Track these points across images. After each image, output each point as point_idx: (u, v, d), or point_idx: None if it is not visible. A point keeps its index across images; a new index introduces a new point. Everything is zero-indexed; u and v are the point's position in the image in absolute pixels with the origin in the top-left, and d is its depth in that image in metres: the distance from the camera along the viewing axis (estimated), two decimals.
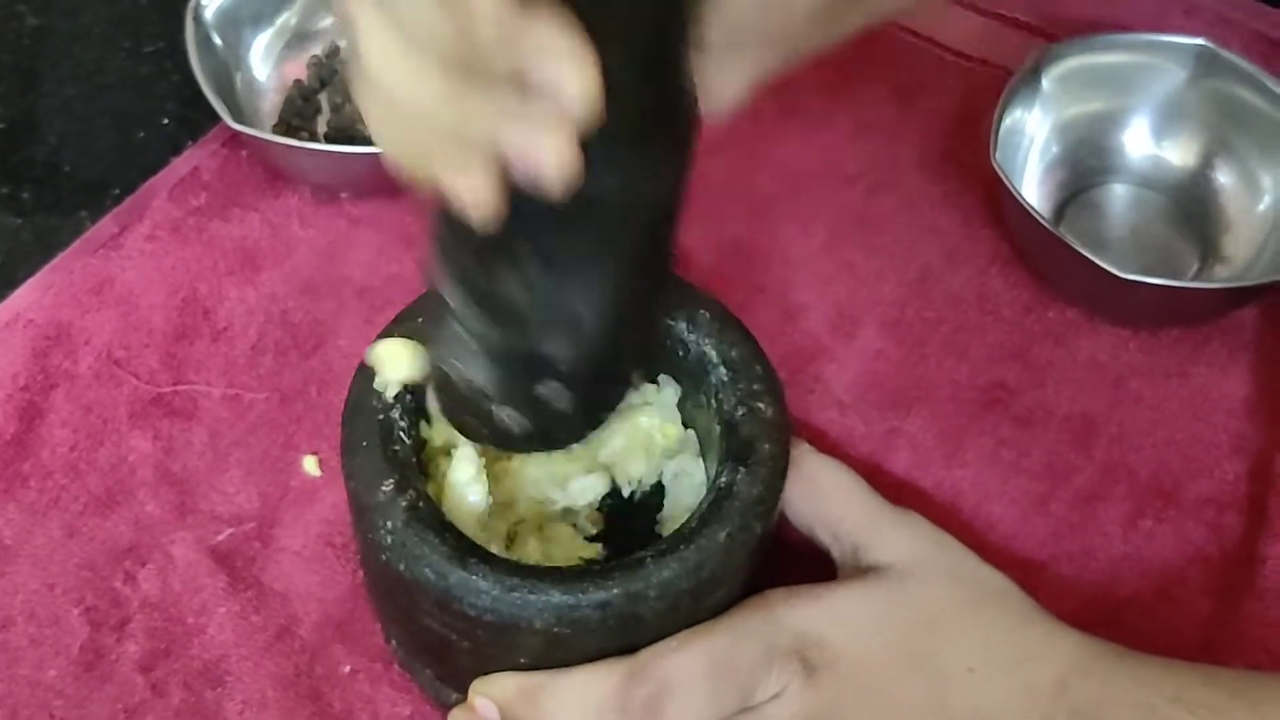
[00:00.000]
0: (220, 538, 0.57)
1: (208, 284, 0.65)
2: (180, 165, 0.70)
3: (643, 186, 0.40)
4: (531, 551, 0.54)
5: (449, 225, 0.40)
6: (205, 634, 0.55)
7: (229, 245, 0.67)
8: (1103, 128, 0.70)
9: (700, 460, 0.56)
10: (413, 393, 0.51)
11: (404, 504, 0.47)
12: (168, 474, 0.59)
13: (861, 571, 0.51)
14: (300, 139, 0.69)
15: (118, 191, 0.69)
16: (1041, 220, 0.61)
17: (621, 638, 0.46)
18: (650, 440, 0.56)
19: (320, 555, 0.57)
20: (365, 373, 0.51)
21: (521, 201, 0.36)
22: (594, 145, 0.34)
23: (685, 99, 0.40)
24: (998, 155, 0.63)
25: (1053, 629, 0.50)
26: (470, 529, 0.49)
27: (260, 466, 0.60)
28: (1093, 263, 0.60)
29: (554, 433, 0.48)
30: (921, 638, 0.48)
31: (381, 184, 0.66)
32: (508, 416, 0.46)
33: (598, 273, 0.42)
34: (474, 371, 0.44)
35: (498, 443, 0.49)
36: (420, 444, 0.52)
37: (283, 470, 0.60)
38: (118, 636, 0.55)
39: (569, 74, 0.33)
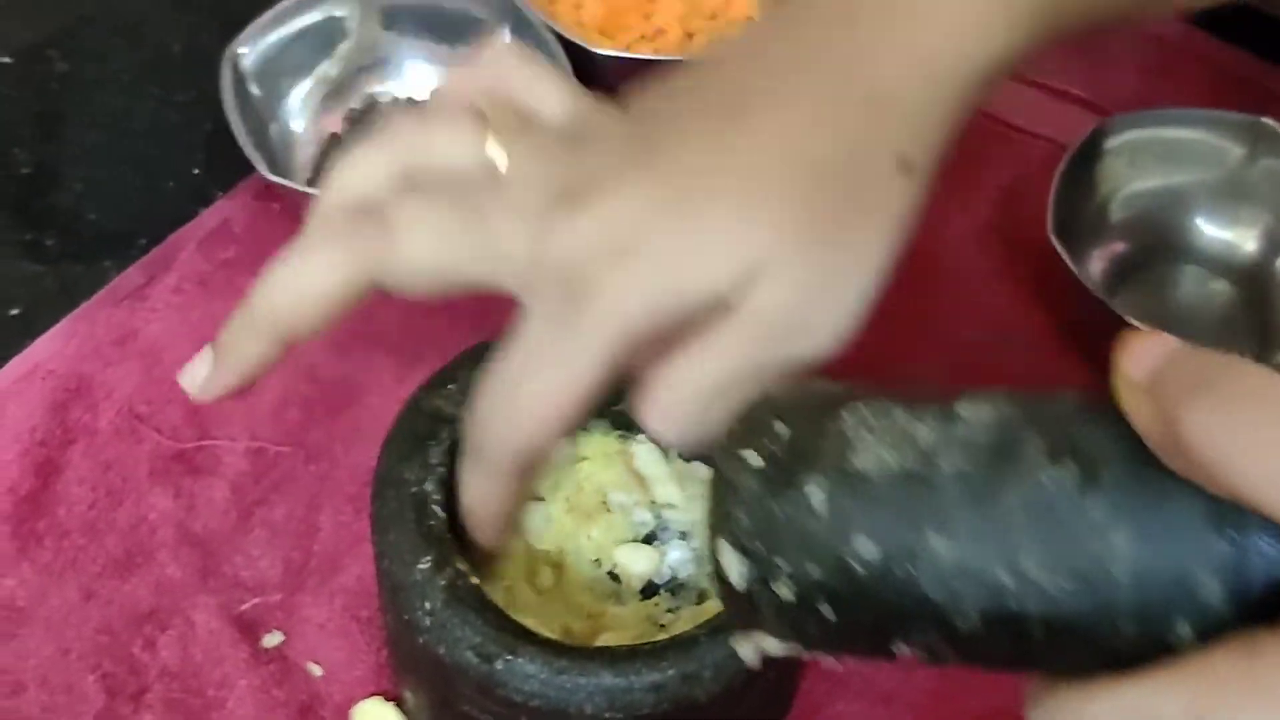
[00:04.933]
0: (244, 607, 0.55)
1: None
2: (209, 217, 0.68)
3: None
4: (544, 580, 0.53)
5: None
6: (225, 707, 0.52)
7: None
8: (1160, 204, 0.69)
9: None
10: (445, 465, 0.48)
11: (443, 582, 0.45)
12: (189, 535, 0.57)
13: None
14: None
15: (144, 241, 0.67)
16: (1100, 298, 0.59)
17: None
18: None
19: (345, 630, 0.55)
20: (394, 445, 0.49)
21: None
22: None
23: None
24: (1053, 230, 0.62)
25: None
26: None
27: (284, 529, 0.58)
28: None
29: None
30: None
31: None
32: None
33: None
34: None
35: None
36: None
37: (306, 534, 0.58)
38: (134, 706, 0.52)
39: None
